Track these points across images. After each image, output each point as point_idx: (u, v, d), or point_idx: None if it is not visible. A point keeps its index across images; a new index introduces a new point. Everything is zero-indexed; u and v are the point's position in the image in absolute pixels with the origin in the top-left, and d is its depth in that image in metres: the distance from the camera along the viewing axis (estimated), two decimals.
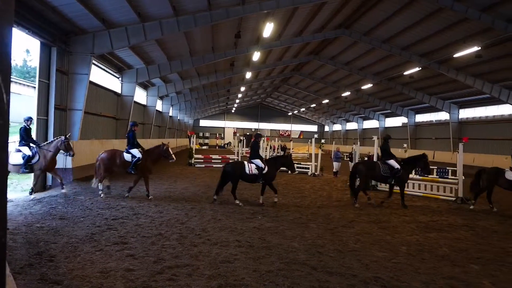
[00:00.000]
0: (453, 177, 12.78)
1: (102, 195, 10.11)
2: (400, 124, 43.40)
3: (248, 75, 30.69)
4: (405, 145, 19.37)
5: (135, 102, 22.17)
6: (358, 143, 21.78)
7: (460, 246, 6.91)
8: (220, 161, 22.86)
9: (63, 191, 10.04)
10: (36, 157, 9.80)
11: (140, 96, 26.24)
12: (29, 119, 10.18)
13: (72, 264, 4.97)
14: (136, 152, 10.22)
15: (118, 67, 20.29)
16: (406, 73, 26.59)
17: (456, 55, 20.64)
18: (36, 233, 6.40)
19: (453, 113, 32.72)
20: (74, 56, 13.52)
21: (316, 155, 20.25)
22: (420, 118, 40.11)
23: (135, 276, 4.65)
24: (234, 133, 56.86)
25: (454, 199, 12.03)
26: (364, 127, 53.69)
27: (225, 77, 31.58)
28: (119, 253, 5.50)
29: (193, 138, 25.92)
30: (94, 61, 15.56)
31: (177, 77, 27.42)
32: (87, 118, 15.80)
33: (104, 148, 16.04)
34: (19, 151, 9.80)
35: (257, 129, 64.56)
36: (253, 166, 10.08)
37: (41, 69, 12.14)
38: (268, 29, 16.84)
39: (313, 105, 53.41)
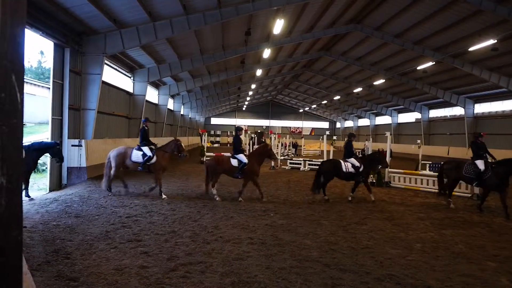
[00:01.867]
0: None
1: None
2: (414, 120, 42.78)
3: (259, 72, 30.64)
4: (418, 141, 19.07)
5: (147, 101, 22.39)
6: (371, 139, 21.56)
7: (476, 243, 6.78)
8: None
9: (164, 197, 10.17)
10: (154, 158, 10.11)
11: (152, 95, 26.47)
12: (146, 120, 10.66)
13: (87, 261, 5.05)
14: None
15: (130, 66, 20.50)
16: (419, 67, 26.16)
17: (471, 49, 20.18)
18: (52, 231, 6.54)
19: (468, 108, 32.07)
20: (86, 57, 13.71)
21: (328, 151, 20.13)
22: (434, 113, 39.45)
23: (149, 273, 4.71)
24: (245, 131, 56.98)
25: (470, 195, 11.80)
26: (376, 123, 53.10)
27: (235, 75, 31.59)
28: (133, 251, 5.57)
29: (204, 136, 26.04)
30: (106, 61, 15.75)
31: (188, 75, 27.56)
32: (100, 117, 16.03)
33: (117, 146, 16.27)
34: (140, 149, 10.15)
35: (267, 126, 64.34)
36: (349, 164, 10.38)
37: (55, 69, 12.36)
38: (278, 26, 16.76)
39: (324, 102, 53.06)
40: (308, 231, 7.17)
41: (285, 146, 33.77)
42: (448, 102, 33.11)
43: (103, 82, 15.29)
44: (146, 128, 10.65)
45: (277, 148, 25.31)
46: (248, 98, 54.82)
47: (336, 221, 8.16)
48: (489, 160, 9.68)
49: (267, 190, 12.26)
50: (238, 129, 11.00)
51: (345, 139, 11.39)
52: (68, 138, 12.75)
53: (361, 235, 7.05)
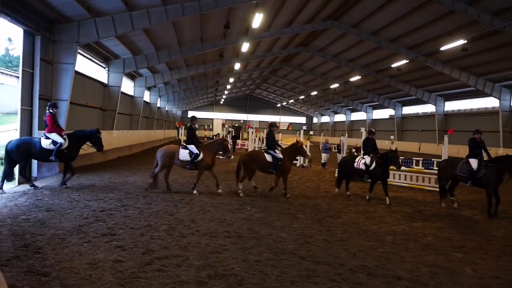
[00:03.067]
0: (437, 168, 13.01)
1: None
2: (388, 116, 43.91)
3: (237, 66, 30.54)
4: (392, 137, 19.65)
5: (122, 92, 21.84)
6: (346, 135, 21.98)
7: (444, 235, 7.10)
8: None
9: (219, 190, 10.18)
10: (201, 155, 9.83)
11: (127, 86, 25.85)
12: (194, 118, 10.37)
13: (59, 256, 4.93)
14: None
15: (105, 56, 19.91)
16: (394, 65, 26.84)
17: (443, 48, 20.90)
18: (22, 225, 6.32)
19: (439, 105, 33.26)
20: (59, 45, 13.21)
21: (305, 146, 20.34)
22: (407, 110, 40.63)
23: (124, 267, 4.65)
24: (223, 125, 56.66)
25: (438, 189, 12.26)
26: (352, 119, 54.15)
27: (214, 68, 31.35)
28: (107, 245, 5.48)
29: (181, 129, 25.74)
30: (79, 51, 15.24)
31: (165, 67, 27.09)
32: (73, 108, 15.51)
33: None
34: (186, 148, 9.88)
35: (246, 120, 64.38)
36: (362, 161, 10.20)
37: (25, 58, 11.84)
38: (257, 20, 16.73)
39: (302, 97, 53.56)
40: (284, 224, 7.27)
41: (263, 140, 33.86)
42: (420, 100, 34.22)
43: (76, 72, 14.78)
44: (194, 126, 10.29)
45: (255, 142, 25.36)
46: (226, 92, 54.52)
47: (312, 214, 8.31)
48: (485, 158, 9.33)
49: (244, 184, 12.30)
50: (272, 125, 10.91)
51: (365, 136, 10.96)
52: (39, 129, 12.28)
53: (335, 228, 7.22)
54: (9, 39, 44.82)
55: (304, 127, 22.07)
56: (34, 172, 12.14)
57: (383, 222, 7.92)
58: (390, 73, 31.74)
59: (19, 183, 11.10)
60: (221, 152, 10.71)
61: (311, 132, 28.10)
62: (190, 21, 18.61)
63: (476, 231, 7.53)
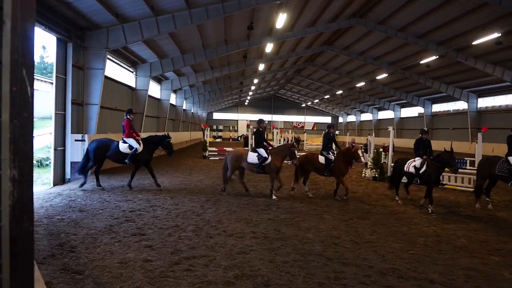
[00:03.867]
0: (471, 167, 12.50)
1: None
2: (417, 114, 42.64)
3: (261, 67, 30.57)
4: None
5: (149, 96, 22.40)
6: (373, 134, 21.49)
7: (479, 237, 6.79)
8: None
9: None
10: (269, 159, 9.88)
11: (154, 90, 26.47)
12: (261, 121, 10.57)
13: (92, 255, 5.10)
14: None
15: (132, 61, 20.49)
16: (422, 62, 26.03)
17: (475, 42, 20.05)
18: (57, 225, 6.60)
19: (471, 102, 31.92)
20: (89, 51, 13.71)
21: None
22: (437, 108, 39.30)
23: (153, 267, 4.75)
24: (248, 126, 56.98)
25: (473, 190, 11.78)
26: (379, 117, 52.97)
27: (238, 69, 31.53)
28: (137, 244, 5.62)
29: (206, 131, 26.07)
30: (108, 56, 15.74)
31: (190, 70, 27.53)
32: (103, 112, 16.06)
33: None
34: (255, 151, 10.05)
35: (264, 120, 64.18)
36: (412, 164, 9.32)
37: (58, 64, 12.36)
38: (281, 20, 16.69)
39: (327, 96, 52.93)
40: (311, 225, 7.20)
41: (287, 141, 33.78)
42: (451, 97, 32.97)
43: (106, 77, 15.31)
44: (261, 129, 10.33)
45: (279, 143, 25.29)
46: (250, 93, 54.72)
47: (339, 215, 8.18)
48: None
49: (269, 185, 12.30)
50: (330, 126, 10.86)
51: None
52: (71, 133, 12.79)
53: (363, 229, 7.07)
54: (43, 47, 46.96)
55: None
56: (68, 174, 12.64)
57: (414, 223, 7.68)
58: (418, 70, 30.80)
59: (54, 185, 11.60)
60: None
61: (337, 132, 27.73)
62: (214, 24, 18.82)
63: None
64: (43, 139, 20.43)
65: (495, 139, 27.14)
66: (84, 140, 12.88)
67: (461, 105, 34.36)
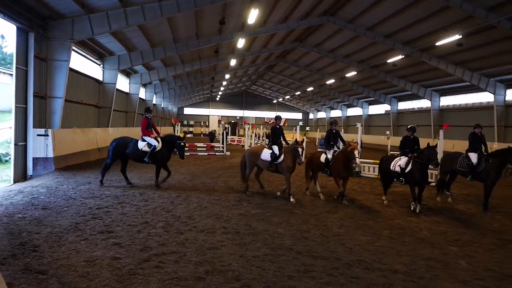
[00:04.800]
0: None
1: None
2: (383, 112, 43.99)
3: (233, 62, 30.42)
4: (387, 132, 19.72)
5: (117, 89, 21.72)
6: (342, 130, 22.06)
7: (439, 229, 7.16)
8: (204, 149, 22.72)
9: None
10: (282, 157, 9.37)
11: (123, 83, 25.71)
12: (278, 118, 10.11)
13: (56, 254, 4.93)
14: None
15: (99, 53, 19.77)
16: (389, 60, 26.84)
17: (438, 43, 20.92)
18: (18, 223, 6.30)
19: (434, 100, 33.36)
20: (52, 42, 13.10)
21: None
22: (403, 105, 40.73)
23: (121, 264, 4.66)
24: (219, 121, 56.59)
25: (434, 184, 12.35)
26: (348, 114, 54.21)
27: (209, 64, 31.21)
28: (104, 242, 5.48)
29: (177, 126, 25.69)
30: (74, 47, 15.12)
31: (161, 64, 26.94)
32: (67, 106, 15.43)
33: (86, 136, 15.77)
34: (271, 148, 9.61)
35: (241, 116, 64.22)
36: (398, 163, 9.04)
37: (18, 55, 11.72)
38: (253, 16, 16.65)
39: (298, 93, 53.49)
40: (281, 220, 7.30)
41: (259, 137, 33.92)
42: (416, 95, 34.30)
43: (71, 69, 14.68)
44: (278, 126, 9.88)
45: (251, 139, 25.36)
46: (222, 88, 54.35)
47: (308, 210, 8.35)
48: (484, 153, 9.16)
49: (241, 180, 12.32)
50: (332, 122, 10.17)
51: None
52: (34, 127, 12.21)
53: (332, 223, 7.26)
54: (2, 36, 44.26)
55: (301, 123, 22.15)
56: (30, 170, 12.08)
57: (380, 216, 7.97)
58: (386, 69, 31.76)
59: (15, 182, 11.05)
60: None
61: (308, 128, 28.18)
62: (185, 17, 18.49)
63: (470, 224, 7.61)
64: (2, 134, 19.37)
65: (455, 136, 28.57)
66: (48, 135, 12.34)
67: (425, 103, 35.82)
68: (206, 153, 22.04)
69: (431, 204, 9.52)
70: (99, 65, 20.29)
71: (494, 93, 25.56)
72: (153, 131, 10.53)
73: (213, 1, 15.41)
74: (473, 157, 9.18)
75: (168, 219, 6.99)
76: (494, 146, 18.87)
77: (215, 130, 37.91)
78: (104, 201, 8.31)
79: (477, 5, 17.66)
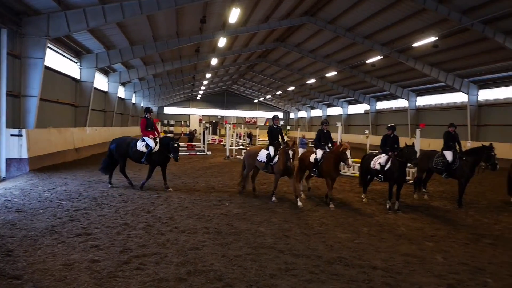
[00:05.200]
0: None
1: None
2: (363, 111, 44.78)
3: (214, 61, 30.27)
4: (366, 131, 20.08)
5: (95, 88, 21.26)
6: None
7: (416, 225, 7.37)
8: (185, 148, 22.51)
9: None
10: (276, 158, 9.11)
11: (101, 82, 25.16)
12: (276, 118, 9.82)
13: (32, 258, 4.77)
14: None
15: (76, 51, 19.28)
16: (368, 61, 27.36)
17: (415, 45, 21.50)
18: None
19: (411, 100, 34.24)
20: (27, 39, 12.69)
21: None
22: (381, 105, 41.57)
23: (100, 267, 4.56)
24: (200, 121, 56.18)
25: (411, 182, 12.67)
26: (328, 114, 54.86)
27: (190, 63, 30.97)
28: (82, 245, 5.35)
29: (157, 125, 25.33)
30: (49, 45, 14.68)
31: (140, 62, 26.53)
32: (43, 105, 14.97)
33: (62, 136, 15.34)
34: (267, 149, 9.38)
35: (222, 116, 64.01)
36: (378, 161, 9.06)
37: None
38: (234, 15, 16.63)
39: (279, 92, 53.74)
40: (263, 219, 7.32)
41: (240, 136, 33.87)
42: (394, 95, 35.12)
43: (46, 67, 14.27)
44: (275, 127, 9.59)
45: (232, 138, 25.28)
46: (202, 88, 53.98)
47: (290, 209, 8.41)
48: (458, 151, 9.48)
49: (222, 180, 12.29)
50: (323, 122, 10.00)
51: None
52: (7, 127, 11.79)
53: (313, 221, 7.34)
54: None
55: (282, 122, 22.20)
56: (3, 172, 11.65)
57: (359, 214, 8.12)
58: (365, 69, 32.36)
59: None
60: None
61: (288, 127, 28.35)
62: (165, 15, 18.28)
63: (446, 220, 7.86)
64: None
65: (431, 135, 29.41)
66: (22, 135, 11.93)
67: (402, 103, 36.69)
68: (187, 153, 21.84)
69: (408, 201, 9.77)
70: (76, 63, 19.80)
71: (467, 93, 26.46)
72: (154, 131, 10.28)
73: (194, 0, 15.29)
74: (448, 155, 9.46)
75: (149, 220, 6.89)
76: (467, 144, 19.54)
77: (195, 129, 37.54)
78: (81, 202, 8.11)
79: (452, 8, 18.24)
